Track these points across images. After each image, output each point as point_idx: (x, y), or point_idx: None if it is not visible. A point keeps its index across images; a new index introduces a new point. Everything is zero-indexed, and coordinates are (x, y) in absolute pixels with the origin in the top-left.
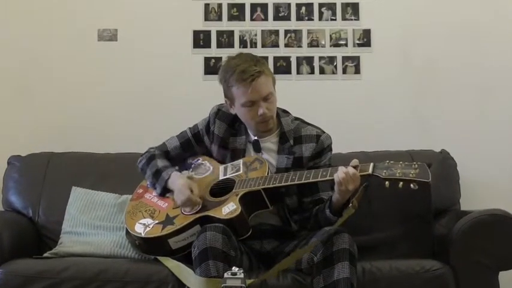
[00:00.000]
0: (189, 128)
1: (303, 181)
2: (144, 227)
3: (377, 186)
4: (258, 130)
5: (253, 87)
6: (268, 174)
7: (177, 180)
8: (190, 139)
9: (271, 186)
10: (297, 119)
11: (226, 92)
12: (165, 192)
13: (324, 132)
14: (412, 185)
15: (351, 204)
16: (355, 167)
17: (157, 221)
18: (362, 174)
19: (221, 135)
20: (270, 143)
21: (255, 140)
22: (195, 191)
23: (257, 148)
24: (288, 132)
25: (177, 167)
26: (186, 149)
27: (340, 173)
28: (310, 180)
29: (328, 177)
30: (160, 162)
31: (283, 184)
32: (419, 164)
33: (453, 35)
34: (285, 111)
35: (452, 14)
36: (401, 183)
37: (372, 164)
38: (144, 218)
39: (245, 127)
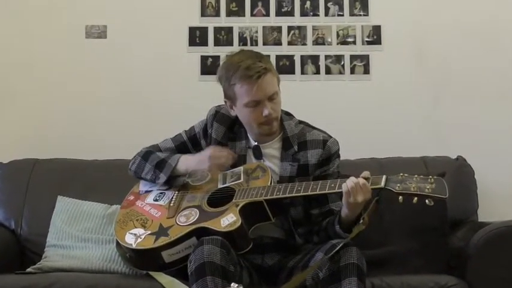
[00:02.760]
0: (185, 130)
1: (309, 193)
2: (135, 237)
3: (389, 200)
4: (261, 133)
5: (259, 85)
6: (271, 183)
7: (192, 156)
8: (186, 142)
9: (274, 197)
10: (301, 122)
11: (226, 92)
12: (170, 181)
13: (331, 137)
14: (427, 201)
15: (361, 221)
16: (366, 179)
17: (149, 232)
18: (374, 187)
19: (219, 139)
20: (272, 149)
21: (256, 145)
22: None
23: (258, 154)
24: (291, 137)
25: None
26: (181, 153)
27: (349, 182)
28: (317, 193)
29: (336, 190)
30: (161, 154)
31: (287, 195)
32: (435, 178)
33: (470, 33)
34: (289, 114)
35: (469, 9)
36: (415, 198)
37: (384, 177)
38: (136, 227)
39: (245, 131)
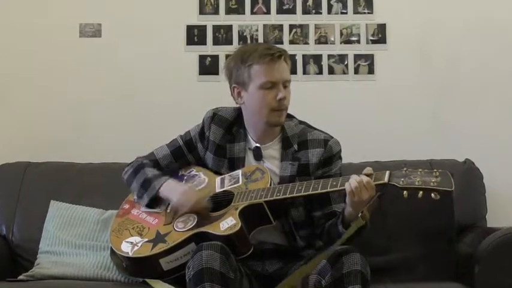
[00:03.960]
0: (180, 135)
1: (310, 192)
2: (131, 245)
3: (393, 196)
4: (269, 122)
5: (279, 66)
6: (271, 185)
7: (177, 185)
8: (182, 147)
9: (274, 198)
10: (301, 123)
11: (238, 76)
12: (152, 203)
13: (333, 137)
14: (433, 195)
15: (361, 214)
16: (368, 176)
17: (146, 239)
18: (377, 183)
19: (217, 142)
20: (272, 149)
21: (256, 146)
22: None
23: (258, 155)
24: (291, 136)
25: (168, 176)
26: (178, 158)
27: (353, 181)
28: (319, 191)
29: (338, 188)
30: (150, 171)
31: (288, 196)
32: (440, 171)
33: (479, 31)
34: (289, 115)
35: (477, 8)
36: (421, 192)
37: (387, 172)
38: (132, 236)
39: (244, 132)
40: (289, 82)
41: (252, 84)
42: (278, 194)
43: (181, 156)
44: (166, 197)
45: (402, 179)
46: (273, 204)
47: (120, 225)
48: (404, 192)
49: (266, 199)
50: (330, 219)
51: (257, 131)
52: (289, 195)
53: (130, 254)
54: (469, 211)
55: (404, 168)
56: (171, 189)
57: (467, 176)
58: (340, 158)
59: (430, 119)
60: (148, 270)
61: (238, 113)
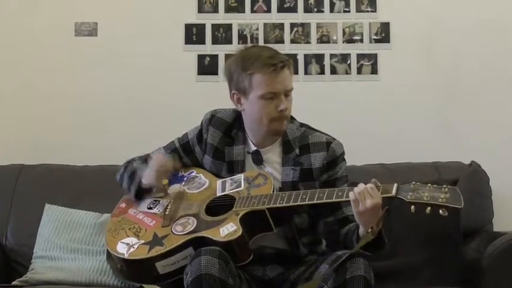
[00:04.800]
0: (178, 138)
1: (314, 201)
2: (127, 247)
3: (400, 209)
4: (270, 131)
5: (282, 76)
6: (273, 191)
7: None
8: (178, 149)
9: (277, 206)
10: (302, 125)
11: (239, 83)
12: (139, 194)
13: (335, 139)
14: (441, 211)
15: (370, 230)
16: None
17: (143, 241)
18: (384, 196)
19: (215, 144)
20: (273, 153)
21: (256, 150)
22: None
23: (258, 160)
24: (292, 140)
25: None
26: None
27: (356, 188)
28: (324, 201)
29: (344, 198)
30: (138, 164)
31: (291, 204)
32: (449, 187)
33: (486, 30)
34: (291, 117)
35: (484, 5)
36: (429, 208)
37: (395, 186)
38: (128, 236)
39: (243, 135)
40: (292, 90)
41: (253, 93)
42: (281, 202)
43: (177, 159)
44: (147, 183)
45: (410, 193)
46: (275, 211)
47: (116, 224)
48: (412, 207)
49: (269, 206)
50: (343, 225)
51: (257, 136)
52: (293, 204)
53: (125, 256)
54: (475, 215)
55: (413, 182)
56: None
57: (473, 178)
58: (344, 159)
59: (435, 120)
60: (144, 273)
61: (237, 115)
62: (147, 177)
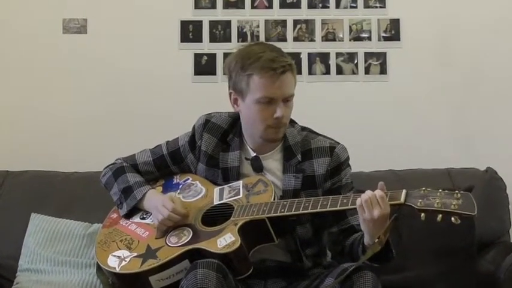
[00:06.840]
0: (167, 142)
1: (318, 210)
2: (119, 260)
3: (409, 217)
4: (264, 137)
5: (281, 82)
6: (274, 199)
7: (155, 196)
8: (165, 157)
9: (278, 214)
10: (304, 129)
11: (237, 83)
12: (131, 214)
13: (339, 143)
14: (453, 219)
15: (377, 240)
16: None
17: (135, 254)
18: (392, 203)
19: (209, 152)
20: (273, 160)
21: (255, 156)
22: (178, 205)
23: (257, 167)
24: (294, 145)
25: (150, 185)
26: (159, 168)
27: (364, 194)
28: (328, 209)
29: (349, 206)
30: (132, 177)
31: (293, 213)
32: (462, 193)
33: (504, 27)
34: (290, 120)
35: (501, 2)
36: (440, 215)
37: (404, 192)
38: (120, 249)
39: (240, 141)
40: (292, 96)
41: (250, 95)
42: (282, 210)
43: (163, 167)
44: (147, 207)
45: (420, 200)
46: (276, 221)
47: (106, 236)
48: (422, 214)
49: (269, 215)
50: (349, 235)
51: (255, 141)
52: (295, 212)
53: (117, 270)
54: (491, 225)
55: (423, 188)
56: (149, 199)
57: (489, 186)
58: (348, 165)
59: (448, 124)
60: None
61: (234, 119)
62: (153, 217)
